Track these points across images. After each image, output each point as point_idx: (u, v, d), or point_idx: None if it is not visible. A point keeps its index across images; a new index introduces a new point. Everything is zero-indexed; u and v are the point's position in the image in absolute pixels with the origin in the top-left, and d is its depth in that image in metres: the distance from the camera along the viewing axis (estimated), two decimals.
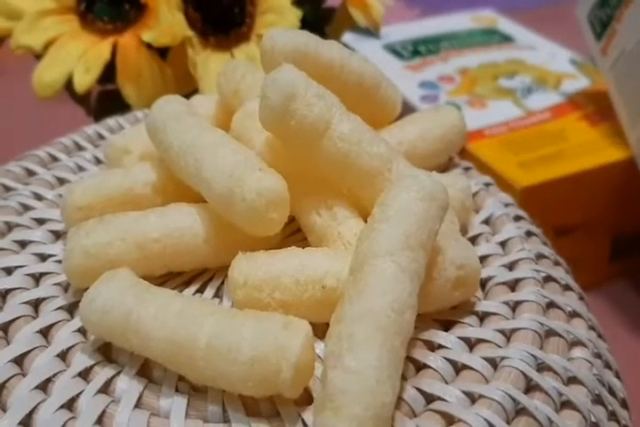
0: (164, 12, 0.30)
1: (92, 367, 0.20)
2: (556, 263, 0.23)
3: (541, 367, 0.18)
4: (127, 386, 0.19)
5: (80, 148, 0.29)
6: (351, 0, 0.34)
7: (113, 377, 0.19)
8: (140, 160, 0.25)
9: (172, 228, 0.22)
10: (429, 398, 0.18)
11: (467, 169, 0.26)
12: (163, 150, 0.23)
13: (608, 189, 0.38)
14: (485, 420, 0.17)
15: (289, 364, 0.17)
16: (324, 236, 0.21)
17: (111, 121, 0.30)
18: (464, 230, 0.23)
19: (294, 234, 0.23)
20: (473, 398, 0.18)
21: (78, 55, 0.31)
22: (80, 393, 0.19)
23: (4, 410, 0.18)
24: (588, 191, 0.37)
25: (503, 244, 0.23)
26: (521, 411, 0.17)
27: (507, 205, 0.24)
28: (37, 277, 0.23)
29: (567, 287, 0.22)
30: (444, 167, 0.26)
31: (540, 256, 0.22)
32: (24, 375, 0.19)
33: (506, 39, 0.49)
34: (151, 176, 0.24)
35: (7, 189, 0.27)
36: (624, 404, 0.21)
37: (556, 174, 0.36)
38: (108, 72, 0.32)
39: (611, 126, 0.39)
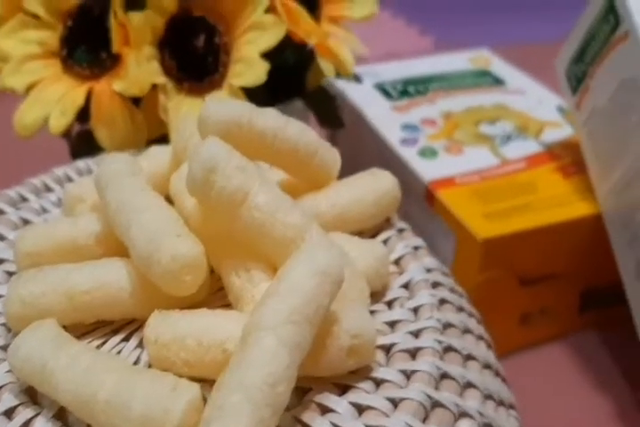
0: (132, 64, 0.31)
1: (15, 407, 0.21)
2: (465, 331, 0.24)
3: None
4: None
5: (48, 189, 0.31)
6: (321, 52, 0.36)
7: (32, 418, 0.21)
8: (91, 209, 0.27)
9: (101, 281, 0.23)
10: None
11: (400, 231, 0.28)
12: (103, 206, 0.24)
13: (575, 243, 0.39)
14: None
15: (172, 425, 0.18)
16: (241, 297, 0.23)
17: (80, 163, 0.32)
18: (382, 294, 0.25)
19: (222, 290, 0.25)
20: None
21: (57, 98, 0.33)
22: None
23: None
24: (553, 245, 0.38)
25: (415, 310, 0.24)
26: None
27: (429, 270, 0.25)
28: None
29: (469, 357, 0.23)
30: (380, 228, 0.27)
31: (447, 325, 0.23)
32: None
33: (497, 82, 0.50)
34: (95, 228, 0.25)
35: None
36: None
37: (520, 227, 0.37)
38: (88, 113, 0.34)
39: (584, 179, 0.40)
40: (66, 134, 0.36)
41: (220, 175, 0.22)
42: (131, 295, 0.23)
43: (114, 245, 0.25)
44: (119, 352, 0.23)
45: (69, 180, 0.32)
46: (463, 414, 0.21)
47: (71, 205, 0.27)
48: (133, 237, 0.22)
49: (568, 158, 0.41)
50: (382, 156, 0.45)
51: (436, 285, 0.25)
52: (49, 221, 0.27)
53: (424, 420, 0.20)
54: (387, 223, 0.28)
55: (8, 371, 0.22)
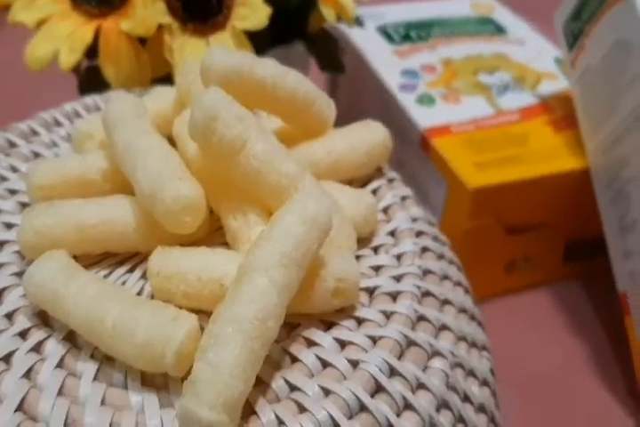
0: (139, 5, 0.32)
1: (29, 329, 0.23)
2: (444, 278, 0.26)
3: (394, 373, 0.22)
4: (54, 348, 0.23)
5: (58, 123, 0.32)
6: None
7: (44, 339, 0.23)
8: (99, 146, 0.28)
9: (108, 216, 0.25)
10: (293, 389, 0.21)
11: (390, 180, 0.29)
12: (110, 145, 0.26)
13: (561, 196, 0.40)
14: (329, 413, 0.20)
15: (171, 351, 0.20)
16: (237, 238, 0.24)
17: (88, 99, 0.33)
18: (370, 240, 0.26)
19: (220, 229, 0.26)
20: (327, 392, 0.21)
21: (66, 35, 0.34)
22: (15, 350, 0.23)
23: None
24: (540, 197, 0.40)
25: (399, 256, 0.26)
26: (363, 409, 0.21)
27: (415, 219, 0.27)
28: (2, 244, 0.26)
29: (446, 302, 0.25)
30: (371, 177, 0.29)
31: (427, 272, 0.25)
32: None
33: (498, 30, 0.50)
34: (103, 164, 0.27)
35: None
36: (481, 408, 0.24)
37: (509, 178, 0.38)
38: (96, 49, 0.35)
39: (575, 134, 0.41)
40: (75, 69, 0.37)
41: (220, 124, 0.23)
42: (135, 230, 0.25)
43: (120, 181, 0.27)
44: (124, 283, 0.25)
45: (78, 115, 0.33)
46: (436, 353, 0.23)
47: (80, 142, 0.29)
48: (139, 177, 0.24)
49: (561, 112, 0.43)
50: (382, 100, 0.46)
51: (419, 233, 0.27)
52: (60, 157, 0.29)
53: (399, 357, 0.22)
54: (378, 172, 0.29)
55: (22, 295, 0.24)
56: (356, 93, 0.50)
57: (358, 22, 0.43)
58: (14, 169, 0.30)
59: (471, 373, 0.24)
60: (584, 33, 0.39)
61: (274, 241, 0.21)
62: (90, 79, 0.36)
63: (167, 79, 0.36)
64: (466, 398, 0.23)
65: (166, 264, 0.23)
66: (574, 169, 0.39)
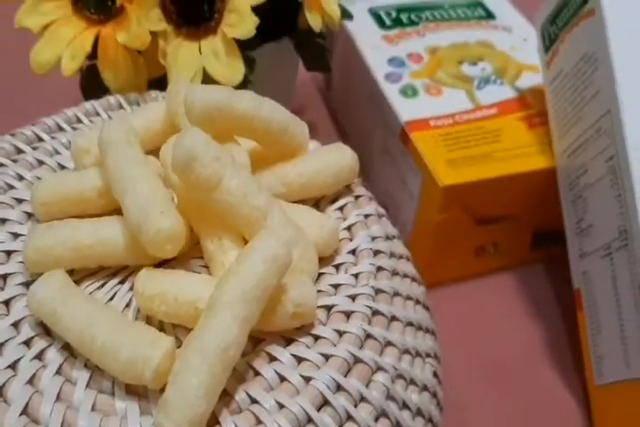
0: (134, 20, 0.34)
1: (32, 338, 0.27)
2: (395, 295, 0.29)
3: (339, 389, 0.25)
4: (54, 356, 0.27)
5: (60, 128, 0.35)
6: (308, 4, 0.38)
7: (46, 348, 0.27)
8: (95, 161, 0.32)
9: (101, 237, 0.28)
10: (253, 401, 0.25)
11: (357, 197, 0.32)
12: (104, 167, 0.29)
13: (530, 191, 0.43)
14: (279, 426, 0.24)
15: (150, 370, 0.24)
16: (212, 260, 0.28)
17: (88, 105, 0.36)
18: (333, 258, 0.30)
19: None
20: (281, 406, 0.25)
21: (68, 40, 0.36)
22: (21, 358, 0.27)
23: None
24: (510, 193, 0.42)
25: (356, 276, 0.29)
26: (310, 422, 0.25)
27: (374, 238, 0.30)
28: (9, 253, 0.30)
29: (394, 318, 0.28)
30: (340, 193, 0.32)
31: (379, 291, 0.28)
32: None
33: (487, 15, 0.52)
34: (98, 183, 0.30)
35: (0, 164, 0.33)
36: (419, 412, 0.28)
37: (478, 177, 0.41)
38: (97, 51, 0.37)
39: (546, 131, 0.43)
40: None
41: (198, 163, 0.26)
42: (124, 250, 0.28)
43: (113, 199, 0.30)
44: (115, 293, 0.29)
45: (79, 120, 0.36)
46: (379, 368, 0.27)
47: (78, 156, 0.32)
48: (127, 204, 0.27)
49: (537, 108, 0.45)
50: (368, 88, 0.48)
51: (377, 253, 0.30)
52: (60, 174, 0.32)
53: (346, 373, 0.26)
54: (347, 189, 0.32)
55: (26, 305, 0.28)
56: (348, 77, 0.52)
57: (347, 15, 0.44)
58: (20, 177, 0.33)
59: (412, 381, 0.28)
60: (559, 39, 0.41)
61: (238, 278, 0.24)
62: (91, 77, 0.39)
63: (161, 79, 0.39)
64: (404, 406, 0.27)
65: (149, 285, 0.27)
66: (543, 168, 0.42)
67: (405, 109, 0.45)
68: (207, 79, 0.37)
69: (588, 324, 0.39)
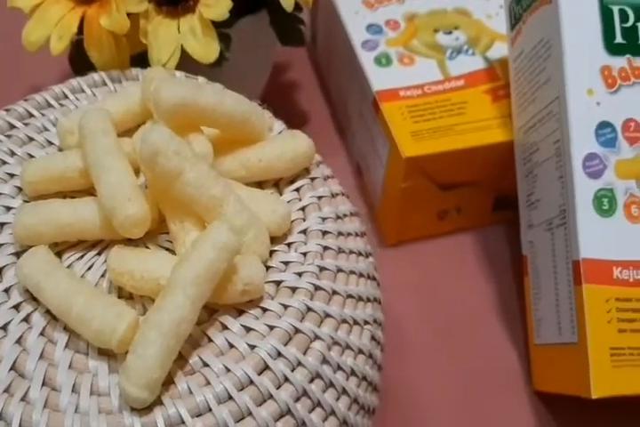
0: (114, 7, 0.37)
1: (21, 303, 0.32)
2: (338, 271, 0.33)
3: (279, 356, 0.30)
4: (38, 320, 0.31)
5: (49, 105, 0.39)
6: None
7: (32, 312, 0.31)
8: (77, 142, 0.35)
9: (80, 217, 0.32)
10: (204, 365, 0.30)
11: (313, 179, 0.35)
12: (83, 153, 0.33)
13: (491, 162, 0.46)
14: (225, 387, 0.29)
15: (115, 339, 0.29)
16: (175, 240, 0.32)
17: (74, 82, 0.39)
18: (286, 236, 0.33)
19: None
20: (227, 370, 0.29)
21: (56, 21, 0.39)
22: (11, 320, 0.31)
23: None
24: (472, 163, 0.45)
25: (305, 254, 0.33)
26: (251, 384, 0.29)
27: (324, 219, 0.34)
28: (2, 225, 0.34)
29: (335, 292, 0.32)
30: (297, 175, 0.35)
31: (322, 269, 0.32)
32: None
33: None
34: (79, 164, 0.34)
35: None
36: (353, 373, 0.32)
37: (440, 149, 0.44)
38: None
39: (509, 104, 0.45)
40: None
41: (161, 157, 0.30)
42: (100, 228, 0.32)
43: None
44: (92, 265, 0.33)
45: (65, 97, 0.39)
46: (317, 338, 0.31)
47: (63, 135, 0.35)
48: (101, 191, 0.31)
49: (503, 80, 0.47)
50: (347, 54, 0.50)
51: (325, 233, 0.34)
52: (46, 156, 0.36)
53: (286, 343, 0.30)
54: (305, 171, 0.36)
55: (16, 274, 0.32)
56: (330, 38, 0.54)
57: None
58: (12, 153, 0.37)
59: (347, 347, 0.32)
60: (522, 19, 0.43)
61: (191, 263, 0.28)
62: (79, 52, 0.42)
63: (144, 55, 0.41)
64: (339, 368, 0.31)
65: (119, 263, 0.31)
66: (503, 141, 0.44)
67: (378, 79, 0.47)
68: (186, 56, 0.40)
69: (531, 288, 0.43)
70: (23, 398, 0.29)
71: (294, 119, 0.56)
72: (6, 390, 0.29)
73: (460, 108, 0.46)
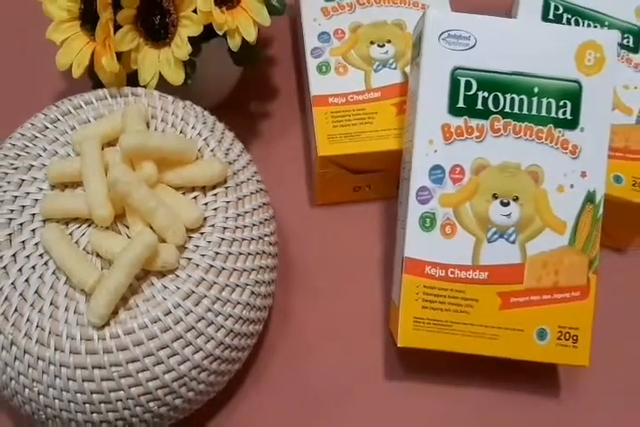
0: (109, 57, 0.54)
1: (43, 253, 0.54)
2: (229, 254, 0.53)
3: (179, 306, 0.51)
4: (52, 264, 0.53)
5: (70, 112, 0.58)
6: (229, 33, 0.56)
7: (49, 259, 0.53)
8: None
9: (78, 204, 0.53)
10: (137, 306, 0.51)
11: (227, 188, 0.54)
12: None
13: (390, 161, 0.57)
14: (144, 321, 0.50)
15: (87, 287, 0.51)
16: (129, 228, 0.52)
17: (86, 95, 0.58)
18: (200, 229, 0.53)
19: None
20: (147, 311, 0.51)
21: (76, 52, 0.57)
22: (37, 264, 0.53)
23: None
24: (374, 161, 0.57)
25: (210, 242, 0.53)
26: (158, 320, 0.50)
27: (227, 218, 0.53)
28: (36, 201, 0.55)
29: (223, 269, 0.52)
30: (218, 184, 0.54)
31: (218, 253, 0.52)
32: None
33: None
34: (77, 166, 0.54)
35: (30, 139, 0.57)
36: (230, 316, 0.53)
37: (347, 152, 0.56)
38: None
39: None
40: None
41: (119, 185, 0.49)
42: (88, 213, 0.53)
43: None
44: (84, 233, 0.54)
45: (80, 106, 0.58)
46: (205, 296, 0.52)
47: (74, 145, 0.55)
48: (86, 191, 0.51)
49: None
50: (302, 56, 0.63)
51: (225, 229, 0.53)
52: (62, 159, 0.55)
53: (185, 299, 0.51)
54: (224, 181, 0.54)
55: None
56: (299, 40, 0.67)
57: (280, 12, 0.59)
58: (44, 149, 0.57)
59: (228, 302, 0.52)
60: (415, 60, 0.54)
61: (126, 253, 0.49)
62: (94, 72, 0.60)
63: (135, 75, 0.59)
64: (220, 314, 0.52)
65: (97, 242, 0.52)
66: (396, 149, 0.56)
67: (317, 85, 0.59)
68: (162, 78, 0.58)
69: (394, 258, 0.61)
70: (40, 311, 0.51)
71: (266, 92, 0.69)
72: (32, 305, 0.52)
73: (371, 117, 0.57)
